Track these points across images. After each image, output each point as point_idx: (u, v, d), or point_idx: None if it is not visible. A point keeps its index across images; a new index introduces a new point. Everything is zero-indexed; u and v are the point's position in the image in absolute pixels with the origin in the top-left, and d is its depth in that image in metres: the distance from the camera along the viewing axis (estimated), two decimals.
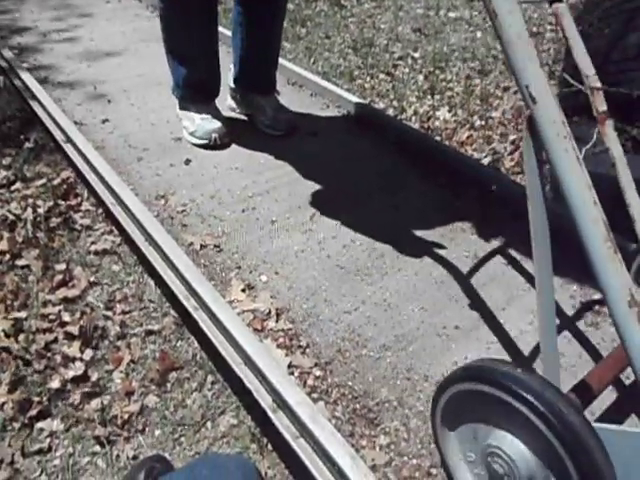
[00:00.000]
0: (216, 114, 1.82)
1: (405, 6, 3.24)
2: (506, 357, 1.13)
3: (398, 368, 1.11)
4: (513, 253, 1.41)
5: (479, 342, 1.17)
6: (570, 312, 1.25)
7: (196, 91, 1.80)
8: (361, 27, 3.03)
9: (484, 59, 2.67)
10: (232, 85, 1.94)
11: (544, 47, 2.79)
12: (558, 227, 1.45)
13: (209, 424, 1.05)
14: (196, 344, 1.20)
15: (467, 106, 2.25)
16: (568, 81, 1.89)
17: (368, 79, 2.47)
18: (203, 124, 1.76)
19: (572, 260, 1.37)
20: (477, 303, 1.26)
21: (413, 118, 2.16)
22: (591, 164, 1.53)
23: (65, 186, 1.64)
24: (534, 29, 3.01)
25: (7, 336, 1.18)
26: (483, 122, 2.15)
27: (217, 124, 1.77)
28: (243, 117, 1.98)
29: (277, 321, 1.19)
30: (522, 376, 0.74)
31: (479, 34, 2.95)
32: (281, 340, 1.15)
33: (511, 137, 2.04)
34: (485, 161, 1.89)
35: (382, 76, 2.51)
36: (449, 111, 2.20)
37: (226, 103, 1.99)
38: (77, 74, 2.27)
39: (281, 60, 2.25)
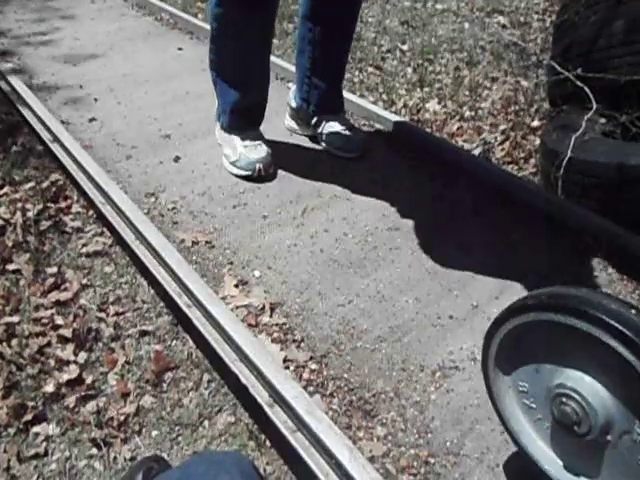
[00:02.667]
0: (261, 140, 1.67)
1: None
2: None
3: (393, 359, 1.11)
4: (504, 242, 1.41)
5: (473, 331, 1.17)
6: None
7: (243, 118, 1.68)
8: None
9: (472, 50, 2.67)
10: (294, 105, 1.83)
11: (531, 36, 2.80)
12: (551, 213, 1.47)
13: (206, 423, 1.05)
14: (191, 343, 1.19)
15: (456, 97, 2.25)
16: (556, 69, 1.89)
17: (357, 73, 2.46)
18: (246, 153, 1.61)
19: (563, 245, 1.39)
20: (471, 293, 1.26)
21: (403, 111, 2.15)
22: (582, 152, 1.55)
23: (54, 189, 1.62)
24: (521, 19, 3.01)
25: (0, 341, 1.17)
26: (473, 113, 2.15)
27: (262, 153, 1.62)
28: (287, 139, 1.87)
29: (271, 316, 1.19)
30: (604, 301, 0.67)
31: (466, 25, 2.95)
32: (275, 335, 1.14)
33: (501, 127, 2.04)
34: (476, 152, 1.89)
35: (371, 69, 2.51)
36: (439, 103, 2.20)
37: (285, 123, 1.90)
38: (62, 74, 2.25)
39: None
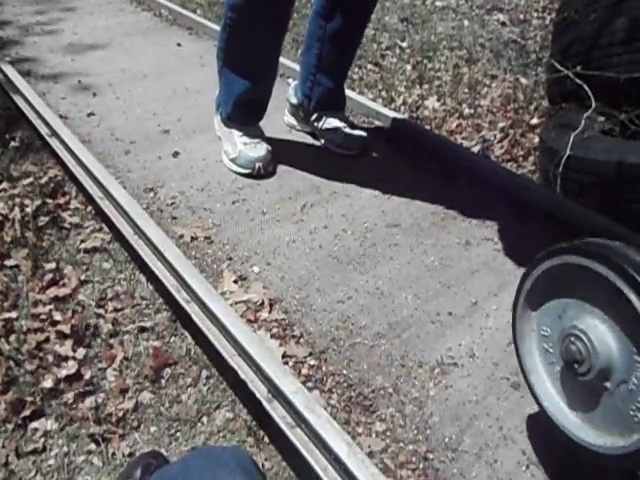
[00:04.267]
0: (261, 138, 1.65)
1: None
2: (500, 343, 1.14)
3: (392, 355, 1.11)
4: (504, 239, 1.41)
5: (472, 328, 1.17)
6: None
7: (245, 111, 1.64)
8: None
9: (471, 47, 2.67)
10: (294, 101, 1.81)
11: (531, 34, 2.80)
12: (550, 211, 1.47)
13: (205, 419, 1.04)
14: (190, 339, 1.19)
15: (456, 95, 2.25)
16: (555, 67, 1.88)
17: (356, 70, 2.46)
18: (246, 151, 1.59)
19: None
20: (470, 289, 1.27)
21: (402, 108, 2.15)
22: (581, 150, 1.55)
23: (53, 184, 1.62)
24: (521, 16, 3.01)
25: None
26: (472, 110, 2.15)
27: (261, 152, 1.60)
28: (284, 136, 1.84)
29: (270, 312, 1.18)
30: (631, 252, 0.71)
31: (466, 22, 2.94)
32: (275, 330, 1.14)
33: (500, 125, 2.04)
34: (475, 149, 1.89)
35: (370, 66, 2.50)
36: (438, 100, 2.20)
37: (284, 120, 1.88)
38: (61, 67, 2.24)
39: None
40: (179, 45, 2.51)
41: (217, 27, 2.57)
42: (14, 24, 2.65)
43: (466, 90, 2.29)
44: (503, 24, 2.95)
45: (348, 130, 1.71)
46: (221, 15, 1.59)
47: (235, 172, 1.62)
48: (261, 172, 1.59)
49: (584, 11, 1.76)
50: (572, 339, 0.77)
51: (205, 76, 2.22)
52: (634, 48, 1.63)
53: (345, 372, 1.07)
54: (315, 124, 1.77)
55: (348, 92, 2.01)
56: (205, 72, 2.26)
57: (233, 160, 1.62)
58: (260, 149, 1.60)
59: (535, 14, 3.05)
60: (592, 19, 1.72)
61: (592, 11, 1.74)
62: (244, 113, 1.65)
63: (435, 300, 1.24)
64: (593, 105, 1.65)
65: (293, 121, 1.86)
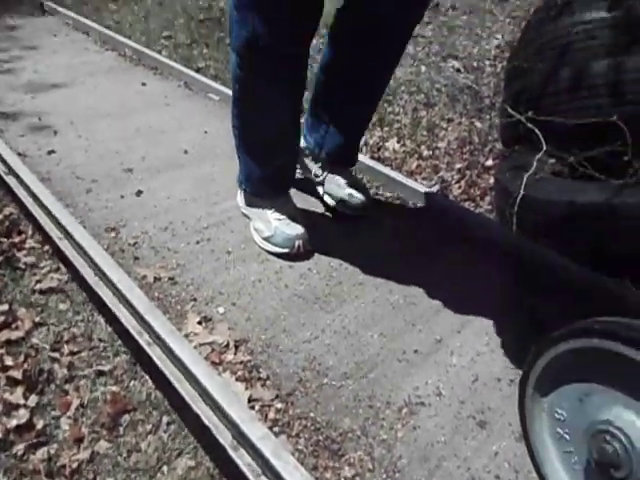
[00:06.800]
0: (293, 210, 1.52)
1: None
2: (466, 380, 1.15)
3: (360, 396, 1.10)
4: (464, 277, 1.45)
5: (438, 366, 1.18)
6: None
7: (271, 184, 1.51)
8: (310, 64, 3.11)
9: (429, 92, 2.79)
10: (302, 144, 1.66)
11: (484, 80, 2.95)
12: (507, 249, 1.51)
13: (165, 468, 1.00)
14: (150, 383, 1.15)
15: (415, 137, 2.33)
16: (507, 112, 1.99)
17: None
18: (282, 228, 1.44)
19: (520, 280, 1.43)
20: (434, 327, 1.28)
21: (364, 149, 2.21)
22: (533, 190, 1.61)
23: (8, 223, 1.56)
24: (474, 64, 3.18)
25: None
26: (430, 152, 2.22)
27: (300, 228, 1.45)
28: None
29: (235, 353, 1.16)
30: None
31: (423, 68, 3.08)
32: (240, 373, 1.12)
33: (457, 166, 2.12)
34: (434, 189, 1.95)
35: None
36: (398, 142, 2.27)
37: None
38: (20, 105, 2.20)
39: None
40: (144, 84, 2.52)
41: (182, 68, 2.62)
42: None
43: (424, 132, 2.38)
44: (458, 71, 3.11)
45: (352, 189, 1.60)
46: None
47: (270, 252, 1.47)
48: (300, 251, 1.44)
49: (532, 60, 1.88)
50: (607, 438, 0.66)
51: (170, 115, 2.22)
52: (580, 95, 1.74)
53: (312, 415, 1.06)
54: (317, 173, 1.66)
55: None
56: (170, 111, 2.27)
57: (267, 239, 1.47)
58: (297, 225, 1.46)
59: (487, 62, 3.22)
60: (540, 68, 1.84)
61: (539, 61, 1.86)
62: (270, 186, 1.51)
63: (401, 338, 1.24)
64: (544, 148, 1.74)
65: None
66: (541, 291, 1.36)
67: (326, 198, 1.65)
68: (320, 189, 1.67)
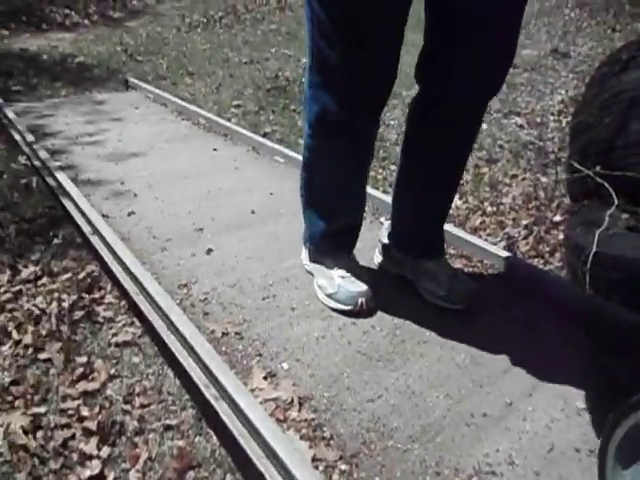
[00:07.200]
0: (357, 269, 1.53)
1: None
2: (540, 449, 1.08)
3: (426, 461, 1.06)
4: (533, 337, 1.39)
5: (510, 431, 1.12)
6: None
7: (335, 243, 1.54)
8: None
9: (491, 149, 2.79)
10: (385, 241, 1.63)
11: (549, 136, 2.92)
12: (580, 308, 1.45)
13: None
14: (215, 439, 1.16)
15: (477, 193, 2.32)
16: (575, 167, 1.95)
17: (380, 170, 2.58)
18: (346, 286, 1.45)
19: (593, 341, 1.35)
20: (502, 389, 1.23)
21: None
22: (607, 246, 1.55)
23: (89, 280, 1.68)
24: (538, 119, 3.16)
25: (25, 433, 1.16)
26: (494, 208, 2.20)
27: (363, 286, 1.45)
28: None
29: (300, 410, 1.16)
30: None
31: (485, 125, 3.10)
32: (304, 431, 1.11)
33: (523, 222, 2.08)
34: (500, 245, 1.91)
35: (393, 167, 2.62)
36: (460, 198, 2.27)
37: (374, 260, 1.70)
38: (105, 172, 2.41)
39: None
40: (215, 150, 2.69)
41: (250, 134, 2.78)
42: (65, 133, 2.90)
43: (487, 189, 2.36)
44: (521, 127, 3.10)
45: (452, 280, 1.49)
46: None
47: (333, 309, 1.48)
48: (363, 308, 1.44)
49: (598, 115, 1.85)
50: None
51: (238, 178, 2.35)
52: None
53: (377, 479, 1.02)
54: (409, 270, 1.58)
55: (372, 191, 2.09)
56: (238, 174, 2.40)
57: (330, 296, 1.48)
58: (361, 283, 1.46)
59: (551, 117, 3.20)
60: (607, 122, 1.81)
61: (605, 115, 1.84)
62: (334, 245, 1.54)
63: (468, 400, 1.20)
64: (615, 203, 1.68)
65: (385, 263, 1.66)
66: (617, 352, 1.28)
67: (425, 294, 1.53)
68: (421, 289, 1.55)
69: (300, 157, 2.38)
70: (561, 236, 1.92)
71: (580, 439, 1.10)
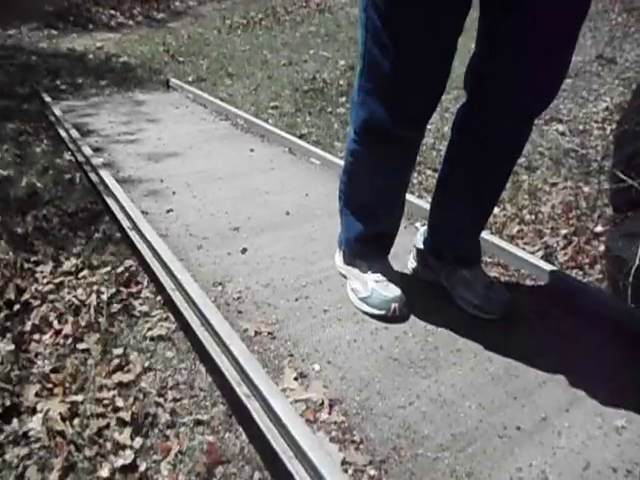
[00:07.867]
0: (391, 274, 1.52)
1: (451, 108, 3.40)
2: (576, 467, 1.05)
3: (457, 472, 1.04)
4: (571, 350, 1.35)
5: (544, 446, 1.09)
6: None
7: (371, 247, 1.53)
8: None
9: (530, 156, 2.73)
10: (420, 247, 1.61)
11: (592, 144, 2.84)
12: (621, 322, 1.40)
13: None
14: (244, 436, 1.17)
15: (515, 201, 2.27)
16: (619, 177, 1.89)
17: (415, 175, 2.56)
18: (379, 290, 1.45)
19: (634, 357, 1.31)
20: (538, 402, 1.20)
21: None
22: None
23: (127, 274, 1.72)
24: (580, 127, 3.08)
25: (63, 419, 1.20)
26: (533, 217, 2.15)
27: (396, 291, 1.45)
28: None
29: (330, 412, 1.16)
30: None
31: None
32: (334, 433, 1.11)
33: (563, 231, 2.03)
34: (538, 254, 1.87)
35: (429, 172, 2.60)
36: (497, 206, 2.23)
37: (408, 265, 1.68)
38: (144, 170, 2.47)
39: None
40: (252, 150, 2.72)
41: (287, 135, 2.81)
42: (108, 130, 2.99)
43: (526, 196, 2.31)
44: (562, 134, 3.02)
45: (487, 290, 1.47)
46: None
47: (366, 313, 1.47)
48: (396, 314, 1.44)
49: None
50: None
51: (274, 179, 2.37)
52: None
53: None
54: (445, 277, 1.56)
55: (407, 195, 2.05)
56: (274, 175, 2.42)
57: (364, 299, 1.47)
58: (394, 288, 1.46)
59: (595, 125, 3.11)
60: None
61: None
62: (369, 249, 1.54)
63: (501, 411, 1.17)
64: None
65: (420, 269, 1.64)
66: None
67: (460, 302, 1.51)
68: (453, 294, 1.54)
69: (335, 159, 2.44)
70: (602, 247, 1.87)
71: (618, 458, 1.06)
